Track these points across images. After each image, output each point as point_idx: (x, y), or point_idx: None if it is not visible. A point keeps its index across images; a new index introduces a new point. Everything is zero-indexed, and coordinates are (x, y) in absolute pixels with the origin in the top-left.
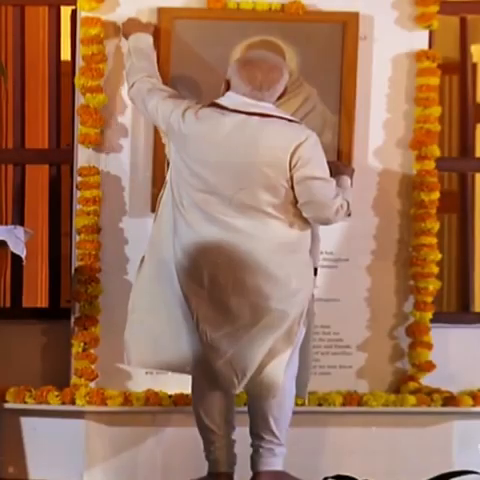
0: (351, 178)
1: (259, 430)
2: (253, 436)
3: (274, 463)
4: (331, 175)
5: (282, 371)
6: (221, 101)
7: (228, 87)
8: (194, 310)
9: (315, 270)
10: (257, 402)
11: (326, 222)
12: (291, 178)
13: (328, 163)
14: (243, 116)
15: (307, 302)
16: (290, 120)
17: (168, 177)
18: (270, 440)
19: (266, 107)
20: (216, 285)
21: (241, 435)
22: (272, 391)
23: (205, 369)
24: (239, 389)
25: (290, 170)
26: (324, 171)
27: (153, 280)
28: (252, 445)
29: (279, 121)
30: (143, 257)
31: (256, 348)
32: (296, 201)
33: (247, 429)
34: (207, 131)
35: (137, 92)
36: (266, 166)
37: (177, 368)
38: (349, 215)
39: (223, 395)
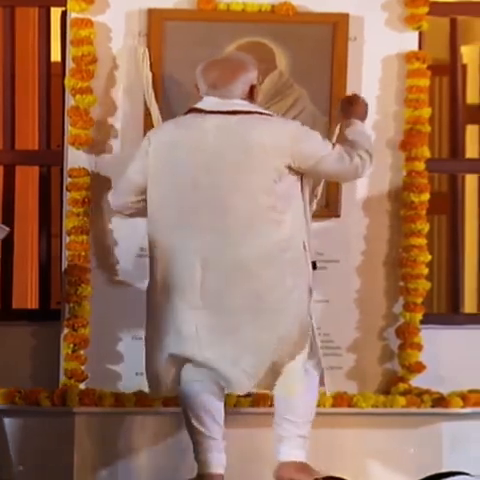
0: (365, 114)
1: (283, 421)
2: (277, 426)
3: (300, 455)
4: (343, 115)
5: (299, 368)
6: (198, 105)
7: (197, 88)
8: (191, 318)
9: (313, 264)
10: (278, 398)
11: (355, 179)
12: (289, 168)
13: (341, 102)
14: (222, 116)
15: (307, 297)
16: (267, 114)
17: (152, 206)
18: (289, 429)
19: (240, 104)
20: (210, 290)
21: (237, 436)
22: (291, 389)
23: (209, 373)
24: (250, 388)
25: (290, 162)
26: (325, 145)
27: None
28: (276, 435)
29: (260, 116)
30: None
31: (262, 347)
32: (288, 196)
33: (241, 430)
34: (190, 136)
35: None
36: (258, 163)
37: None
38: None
39: (212, 396)
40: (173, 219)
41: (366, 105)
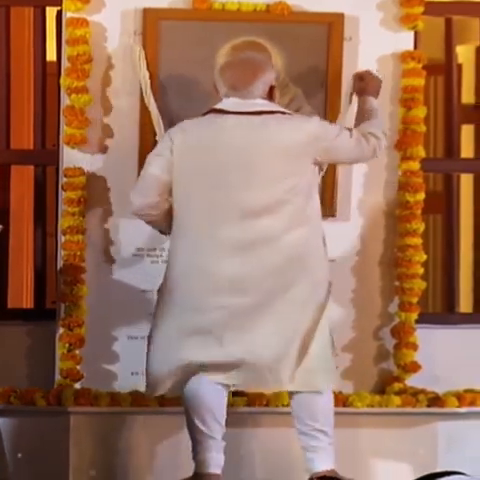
0: (379, 90)
1: (312, 432)
2: (305, 438)
3: (331, 462)
4: (356, 92)
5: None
6: (219, 106)
7: (216, 89)
8: (218, 316)
9: None
10: (304, 399)
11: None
12: (312, 164)
13: (353, 78)
14: (245, 116)
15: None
16: (288, 113)
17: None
18: (324, 440)
19: (262, 104)
20: (239, 287)
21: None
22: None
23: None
24: (287, 385)
25: (314, 158)
26: (345, 136)
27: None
28: (308, 446)
29: (282, 116)
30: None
31: (287, 340)
32: (309, 192)
33: (236, 430)
34: (215, 136)
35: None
36: (284, 162)
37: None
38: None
39: (216, 396)
40: (202, 219)
41: (380, 81)
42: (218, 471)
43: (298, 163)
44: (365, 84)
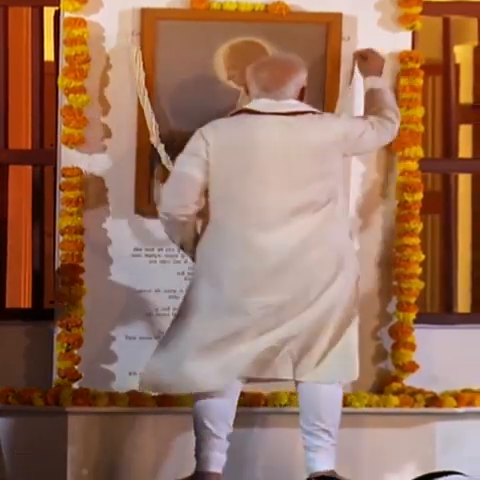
0: (382, 69)
1: (317, 431)
2: (309, 437)
3: (332, 463)
4: (362, 73)
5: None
6: (251, 106)
7: (246, 89)
8: (256, 315)
9: None
10: (313, 398)
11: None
12: (342, 157)
13: (356, 58)
14: (279, 116)
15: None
16: (319, 113)
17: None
18: (328, 440)
19: (294, 104)
20: (279, 287)
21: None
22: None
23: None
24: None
25: (344, 153)
26: (367, 128)
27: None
28: (310, 445)
29: (313, 115)
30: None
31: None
32: (339, 189)
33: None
34: (251, 136)
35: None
36: (318, 160)
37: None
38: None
39: (228, 395)
40: (241, 219)
41: (383, 59)
42: (219, 470)
43: (330, 162)
44: (368, 64)
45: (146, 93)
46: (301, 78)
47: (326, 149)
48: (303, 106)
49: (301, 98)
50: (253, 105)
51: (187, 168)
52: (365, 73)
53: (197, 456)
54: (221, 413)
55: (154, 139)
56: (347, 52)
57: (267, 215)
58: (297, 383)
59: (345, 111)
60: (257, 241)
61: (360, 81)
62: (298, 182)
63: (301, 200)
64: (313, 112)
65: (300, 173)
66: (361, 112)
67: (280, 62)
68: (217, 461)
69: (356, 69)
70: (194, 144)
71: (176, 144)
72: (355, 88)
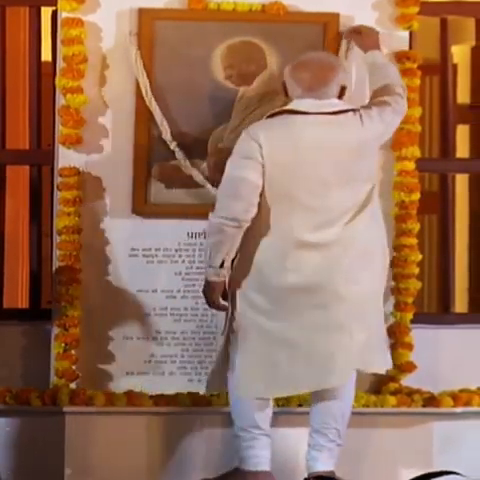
0: (378, 41)
1: (327, 430)
2: (317, 435)
3: (333, 464)
4: (361, 48)
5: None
6: (295, 107)
7: (285, 89)
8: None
9: None
10: (328, 398)
11: None
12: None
13: (350, 35)
14: (326, 116)
15: None
16: (355, 110)
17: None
18: (334, 440)
19: (337, 103)
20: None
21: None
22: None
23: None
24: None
25: (377, 148)
26: (391, 115)
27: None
28: (315, 444)
29: (352, 114)
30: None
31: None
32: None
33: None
34: (304, 136)
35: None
36: (367, 158)
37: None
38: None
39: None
40: (305, 218)
41: (377, 32)
42: (269, 469)
43: (372, 160)
44: (365, 38)
45: (151, 94)
46: (341, 77)
47: (369, 147)
48: (344, 105)
49: (341, 97)
50: (297, 105)
51: (244, 172)
52: (365, 48)
53: (247, 455)
54: (268, 412)
55: (168, 137)
56: (344, 44)
57: (330, 214)
58: None
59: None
60: (317, 239)
61: (355, 57)
62: (351, 181)
63: (356, 198)
64: (353, 110)
65: (351, 172)
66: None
67: (320, 62)
68: (268, 460)
69: (351, 45)
70: (246, 147)
71: (175, 143)
72: (352, 65)
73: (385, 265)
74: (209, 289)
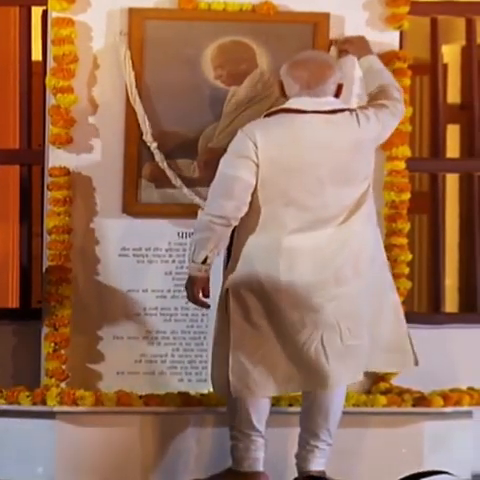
0: (368, 45)
1: (318, 430)
2: (308, 435)
3: (323, 464)
4: (355, 55)
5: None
6: (292, 105)
7: (282, 88)
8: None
9: None
10: (321, 398)
11: None
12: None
13: (341, 47)
14: (324, 115)
15: None
16: (351, 110)
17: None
18: (325, 440)
19: (334, 102)
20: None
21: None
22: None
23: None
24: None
25: (374, 149)
26: (389, 117)
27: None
28: (306, 444)
29: (349, 113)
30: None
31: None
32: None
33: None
34: (300, 135)
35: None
36: (364, 157)
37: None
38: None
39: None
40: (299, 217)
41: (363, 37)
42: (262, 470)
43: (369, 161)
44: (357, 46)
45: (137, 93)
46: (338, 76)
47: (365, 147)
48: (341, 104)
49: (337, 95)
50: (294, 104)
51: (237, 171)
52: (359, 55)
53: (242, 456)
54: (266, 414)
55: (148, 138)
56: (335, 52)
57: (325, 214)
58: None
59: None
60: (311, 239)
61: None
62: (347, 180)
63: (352, 197)
64: (350, 110)
65: (347, 171)
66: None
67: (317, 60)
68: (261, 461)
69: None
70: (241, 146)
71: (164, 143)
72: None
73: (384, 261)
74: (190, 283)
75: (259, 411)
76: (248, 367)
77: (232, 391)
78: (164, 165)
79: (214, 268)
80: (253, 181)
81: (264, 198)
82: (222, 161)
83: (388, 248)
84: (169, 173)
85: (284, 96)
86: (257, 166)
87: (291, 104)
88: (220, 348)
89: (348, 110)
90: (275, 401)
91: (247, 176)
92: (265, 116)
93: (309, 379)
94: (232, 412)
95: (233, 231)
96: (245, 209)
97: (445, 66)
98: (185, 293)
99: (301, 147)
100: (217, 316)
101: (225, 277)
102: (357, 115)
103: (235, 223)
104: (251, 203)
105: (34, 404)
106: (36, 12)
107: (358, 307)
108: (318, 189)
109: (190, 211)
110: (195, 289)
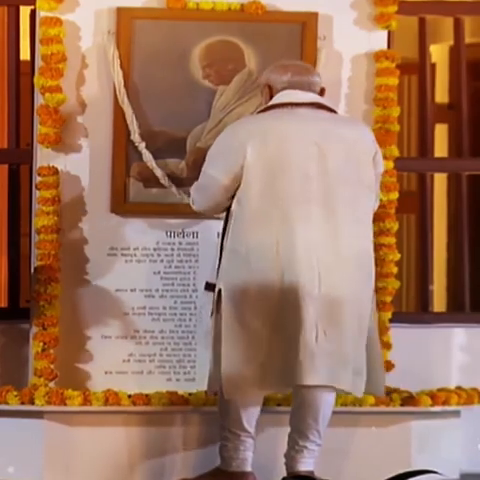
0: None
1: (307, 430)
2: (297, 436)
3: (312, 464)
4: None
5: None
6: (283, 100)
7: (269, 90)
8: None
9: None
10: (314, 398)
11: None
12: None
13: None
14: (314, 110)
15: None
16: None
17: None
18: (314, 441)
19: (319, 98)
20: (325, 283)
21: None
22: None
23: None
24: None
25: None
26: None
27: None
28: (295, 444)
29: (338, 115)
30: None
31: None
32: None
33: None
34: (290, 128)
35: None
36: (362, 156)
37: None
38: None
39: (262, 396)
40: (287, 211)
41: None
42: (251, 470)
43: (365, 165)
44: None
45: (125, 92)
46: (321, 78)
47: (363, 146)
48: (326, 101)
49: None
50: (282, 98)
51: (216, 172)
52: None
53: (231, 456)
54: (255, 415)
55: (136, 137)
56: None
57: (311, 209)
58: (299, 386)
59: None
60: (300, 235)
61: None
62: (338, 177)
63: (342, 195)
64: (336, 112)
65: (338, 167)
66: None
67: (297, 62)
68: (250, 461)
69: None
70: (228, 142)
71: (152, 143)
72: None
73: (372, 270)
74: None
75: (249, 412)
76: (240, 367)
77: (224, 391)
78: (152, 165)
79: (206, 262)
80: (229, 182)
81: (254, 195)
82: (208, 154)
83: (376, 247)
84: (157, 173)
85: (270, 99)
86: (242, 167)
87: (279, 99)
88: (214, 348)
89: (335, 112)
90: (264, 401)
91: (224, 178)
92: (258, 113)
93: (287, 375)
94: (223, 412)
95: (224, 228)
96: (222, 207)
97: (433, 66)
98: (172, 293)
99: (288, 141)
100: (212, 315)
101: (217, 276)
102: (352, 120)
103: (216, 216)
104: (241, 200)
105: (22, 403)
106: (24, 11)
107: (341, 313)
108: (309, 185)
109: (178, 210)
110: None
